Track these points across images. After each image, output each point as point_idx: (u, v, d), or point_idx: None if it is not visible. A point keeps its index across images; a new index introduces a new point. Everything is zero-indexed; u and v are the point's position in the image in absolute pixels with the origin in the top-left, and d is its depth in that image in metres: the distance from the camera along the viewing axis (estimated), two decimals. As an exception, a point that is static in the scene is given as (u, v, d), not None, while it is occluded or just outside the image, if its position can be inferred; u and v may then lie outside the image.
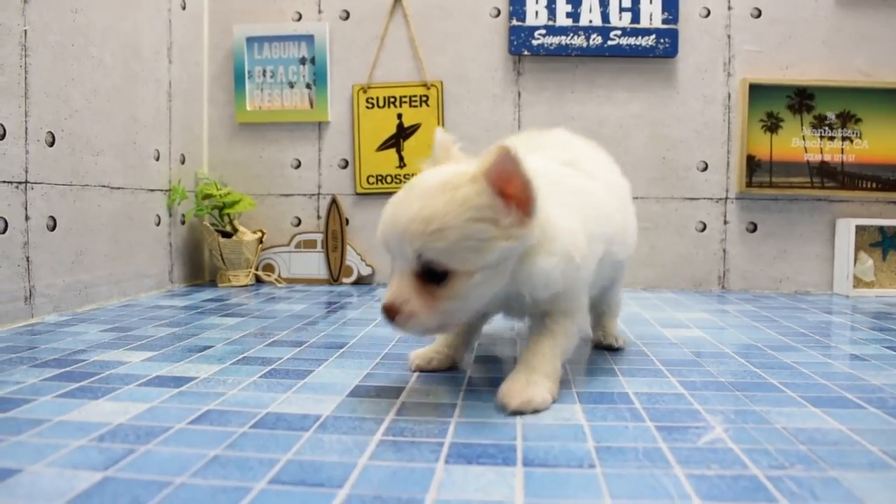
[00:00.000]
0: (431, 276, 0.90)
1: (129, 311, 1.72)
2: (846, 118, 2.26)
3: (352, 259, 2.31)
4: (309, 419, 0.89)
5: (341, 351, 1.31)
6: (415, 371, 1.17)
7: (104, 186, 1.83)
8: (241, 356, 1.25)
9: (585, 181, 1.15)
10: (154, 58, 2.09)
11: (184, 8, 2.24)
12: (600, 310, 1.40)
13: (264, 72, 2.36)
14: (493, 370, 1.18)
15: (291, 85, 2.35)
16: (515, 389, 0.96)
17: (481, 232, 0.89)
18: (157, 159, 2.10)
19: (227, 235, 2.23)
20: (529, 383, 0.97)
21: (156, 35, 2.09)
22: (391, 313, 0.93)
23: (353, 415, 0.91)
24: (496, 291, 0.95)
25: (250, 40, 2.35)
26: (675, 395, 1.03)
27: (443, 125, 2.29)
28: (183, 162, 2.24)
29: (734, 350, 1.36)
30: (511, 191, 0.89)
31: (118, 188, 1.90)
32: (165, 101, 2.14)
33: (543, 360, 1.02)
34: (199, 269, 2.35)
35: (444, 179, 0.91)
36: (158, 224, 2.10)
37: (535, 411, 0.94)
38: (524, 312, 1.10)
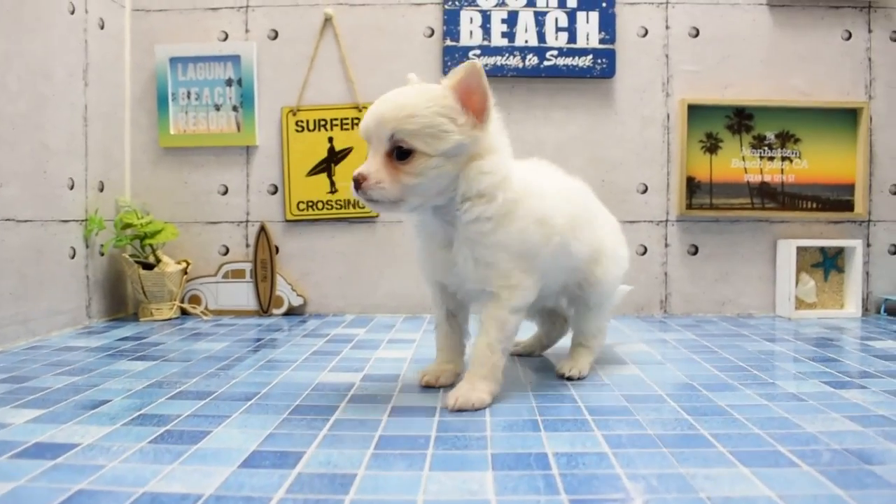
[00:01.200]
0: (399, 155, 1.14)
1: (33, 356, 1.61)
2: (785, 138, 2.23)
3: (282, 289, 2.21)
4: (188, 501, 0.80)
5: (249, 404, 1.21)
6: (424, 386, 1.33)
7: (8, 220, 1.72)
8: (137, 413, 1.15)
9: (558, 180, 1.38)
10: (68, 80, 1.97)
11: (102, 27, 2.12)
12: (574, 340, 1.49)
13: (189, 94, 2.25)
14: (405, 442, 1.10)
15: (217, 107, 2.25)
16: (458, 393, 1.19)
17: (442, 124, 1.13)
18: (72, 188, 1.98)
19: (148, 267, 2.12)
20: (471, 389, 1.20)
21: (70, 56, 1.98)
22: (360, 181, 1.16)
23: (238, 494, 0.82)
24: (446, 184, 1.18)
25: (174, 61, 2.24)
26: (597, 455, 0.96)
27: (376, 148, 2.21)
28: (102, 189, 2.13)
29: (669, 392, 1.30)
30: (472, 101, 1.16)
31: (25, 221, 1.78)
32: (81, 125, 2.03)
33: (479, 365, 1.23)
34: (122, 301, 2.23)
35: (419, 87, 1.20)
36: (73, 257, 1.98)
37: (477, 409, 1.18)
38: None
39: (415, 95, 1.16)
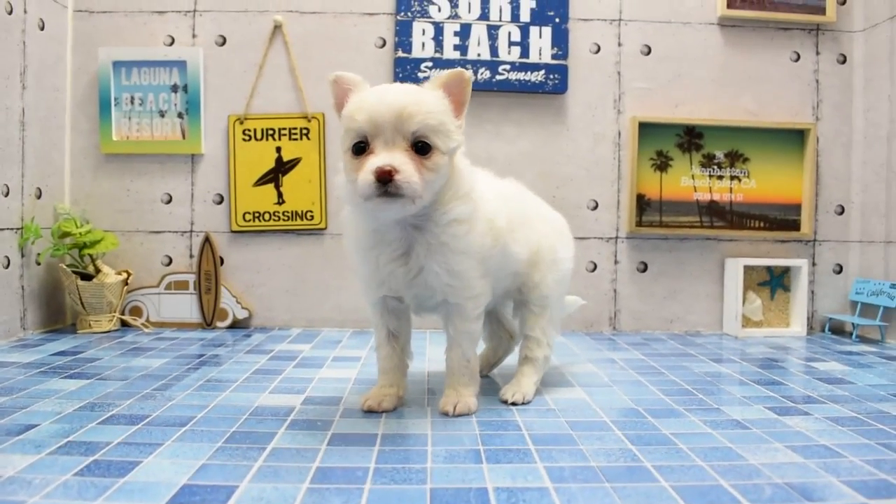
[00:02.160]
0: (420, 150, 1.15)
1: (-41, 373, 1.54)
2: (734, 157, 2.24)
3: (227, 301, 2.16)
4: (107, 546, 0.76)
5: (183, 430, 1.17)
6: (367, 411, 1.30)
7: (-64, 230, 1.65)
8: (65, 440, 1.10)
9: (492, 182, 1.39)
10: (4, 83, 1.90)
11: (42, 28, 2.05)
12: (521, 354, 1.47)
13: (132, 99, 2.19)
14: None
15: (162, 114, 2.19)
16: (449, 401, 1.29)
17: (449, 123, 1.18)
18: (7, 195, 1.91)
19: (87, 277, 2.05)
20: (460, 395, 1.30)
21: (6, 58, 1.91)
22: (388, 175, 1.10)
23: (161, 538, 0.78)
24: (444, 182, 1.20)
25: (117, 65, 2.18)
26: (538, 490, 0.94)
27: (324, 160, 2.17)
28: (39, 196, 2.05)
29: (614, 418, 1.28)
30: (456, 106, 1.22)
31: (-46, 230, 1.71)
32: (18, 130, 1.96)
33: (459, 374, 1.32)
34: (60, 312, 2.16)
35: (416, 87, 1.20)
36: (7, 266, 1.91)
37: (464, 414, 1.28)
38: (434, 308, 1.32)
39: (425, 94, 1.18)
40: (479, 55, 2.15)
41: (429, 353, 1.85)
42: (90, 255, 2.07)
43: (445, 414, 1.28)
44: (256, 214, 2.18)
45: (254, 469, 1.00)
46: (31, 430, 1.14)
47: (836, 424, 1.27)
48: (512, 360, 1.62)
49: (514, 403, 1.37)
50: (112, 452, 1.05)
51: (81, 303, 2.03)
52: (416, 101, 1.14)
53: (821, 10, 2.23)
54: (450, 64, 2.14)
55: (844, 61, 2.28)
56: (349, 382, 1.52)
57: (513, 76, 2.15)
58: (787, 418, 1.30)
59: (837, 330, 2.30)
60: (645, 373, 1.67)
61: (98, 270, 2.07)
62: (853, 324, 2.18)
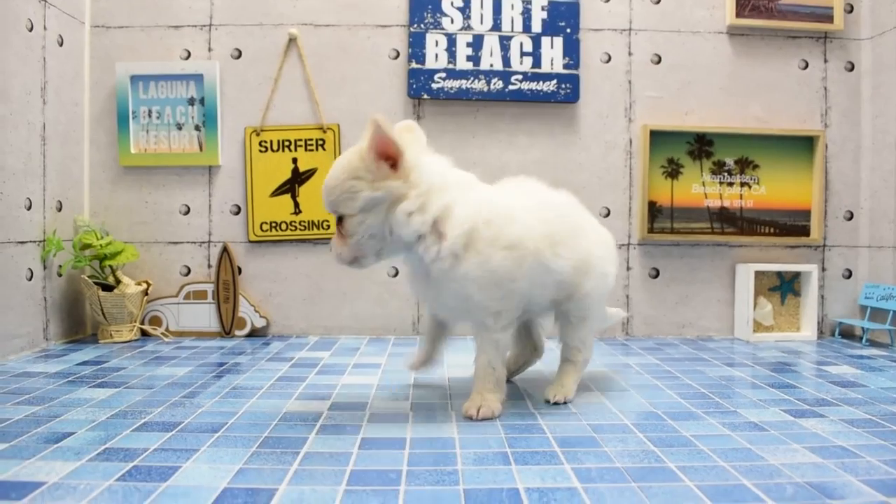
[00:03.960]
0: (339, 220, 1.30)
1: (-11, 383, 1.57)
2: (744, 164, 2.27)
3: (245, 310, 2.19)
4: (159, 546, 0.79)
5: (217, 436, 1.20)
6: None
7: (-37, 242, 1.68)
8: (103, 447, 1.12)
9: (534, 198, 1.41)
10: (25, 99, 1.93)
11: (61, 44, 2.09)
12: (561, 356, 1.53)
13: (150, 112, 2.22)
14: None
15: (179, 126, 2.23)
16: (473, 405, 1.33)
17: (352, 186, 1.26)
18: (29, 208, 1.94)
19: (108, 288, 2.08)
20: (484, 400, 1.34)
21: (27, 74, 1.94)
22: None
23: (210, 539, 0.81)
24: (381, 233, 1.28)
25: (135, 79, 2.21)
26: (568, 490, 0.96)
27: (340, 170, 2.20)
28: (60, 209, 2.09)
29: (634, 421, 1.31)
30: (388, 152, 1.25)
31: (-19, 243, 1.74)
32: (39, 144, 1.99)
33: (485, 380, 1.36)
34: (81, 323, 2.19)
35: (344, 155, 1.30)
36: (31, 278, 1.94)
37: (496, 416, 1.33)
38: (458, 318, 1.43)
39: (336, 168, 1.29)
40: (491, 65, 2.19)
41: (449, 358, 1.88)
42: (111, 267, 2.10)
43: (469, 418, 1.32)
44: (273, 224, 2.21)
45: (290, 472, 1.02)
46: (68, 438, 1.17)
47: (850, 426, 1.29)
48: (541, 367, 1.65)
49: (556, 403, 1.43)
50: (150, 458, 1.08)
51: (103, 313, 2.06)
52: (326, 186, 1.30)
53: (828, 19, 2.27)
54: (463, 75, 2.17)
55: (852, 69, 2.32)
56: (373, 388, 1.55)
57: (525, 86, 2.19)
58: (803, 420, 1.33)
59: (847, 334, 2.33)
60: (660, 377, 1.70)
61: (118, 281, 2.10)
62: (863, 328, 2.21)
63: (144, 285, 2.15)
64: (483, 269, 1.27)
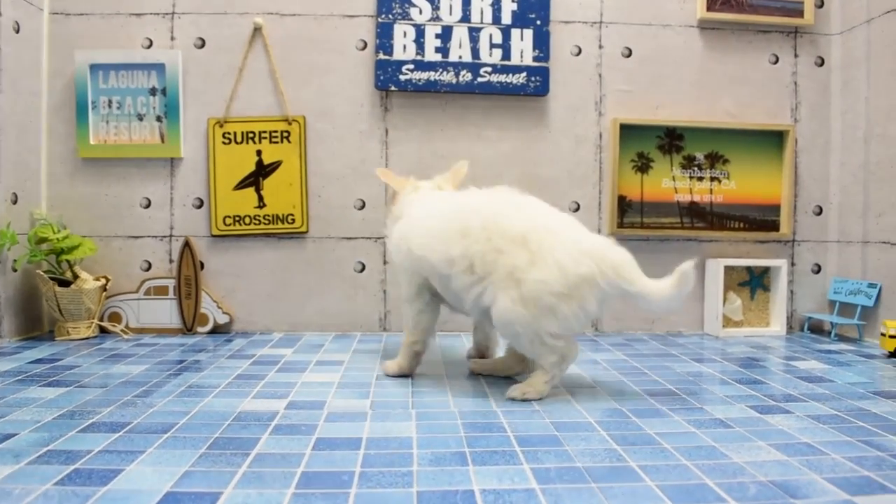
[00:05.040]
0: None
1: (-65, 381, 1.51)
2: (714, 159, 2.25)
3: (207, 306, 2.14)
4: (90, 555, 0.75)
5: (166, 437, 1.15)
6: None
7: None
8: (45, 449, 1.08)
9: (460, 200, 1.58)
10: (-21, 87, 1.88)
11: (17, 31, 2.03)
12: None
13: (110, 102, 2.16)
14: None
15: (140, 117, 2.17)
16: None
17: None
18: (-18, 200, 1.88)
19: (64, 284, 2.02)
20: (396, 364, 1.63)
21: (-19, 62, 1.88)
22: None
23: (145, 546, 0.77)
24: None
25: (94, 68, 2.15)
26: (524, 491, 0.93)
27: (305, 163, 2.16)
28: (15, 202, 2.02)
29: (598, 419, 1.28)
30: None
31: (-71, 236, 1.68)
32: (-7, 135, 1.93)
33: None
34: (37, 320, 2.13)
35: None
36: (-17, 272, 1.88)
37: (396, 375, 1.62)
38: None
39: None
40: (460, 57, 2.15)
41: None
42: (68, 261, 2.04)
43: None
44: (237, 218, 2.16)
45: (238, 475, 0.99)
46: (9, 440, 1.13)
47: (817, 422, 1.28)
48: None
49: (512, 398, 1.42)
50: (93, 461, 1.04)
51: (59, 309, 2.01)
52: None
53: (799, 13, 2.25)
54: (431, 66, 2.14)
55: (822, 64, 2.31)
56: (332, 387, 1.51)
57: (494, 78, 2.15)
58: (770, 417, 1.31)
59: (816, 329, 2.32)
60: (628, 373, 1.67)
61: (76, 276, 2.05)
62: (832, 323, 2.20)
63: (103, 280, 2.10)
64: (395, 256, 1.65)
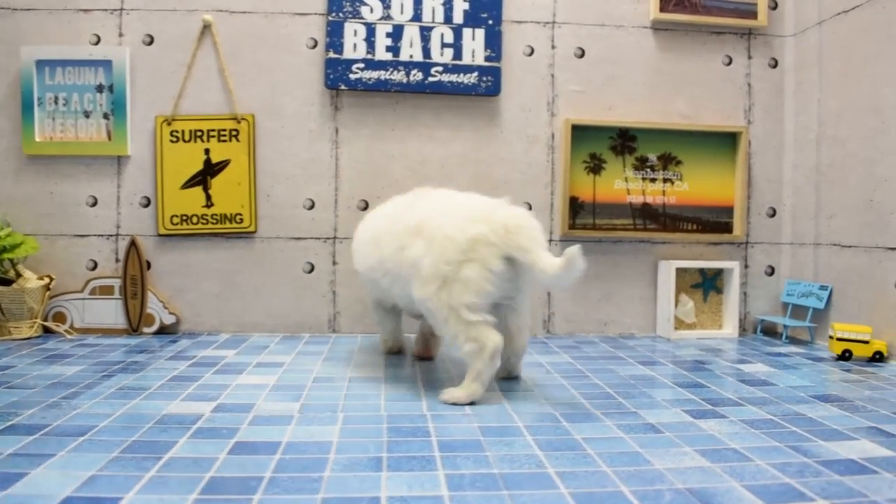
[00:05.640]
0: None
1: None
2: (667, 160, 2.25)
3: (153, 306, 2.11)
4: (-39, 566, 0.72)
5: (81, 440, 1.13)
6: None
7: None
8: (-49, 452, 1.05)
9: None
10: (-84, 83, 1.83)
11: (-41, 26, 1.99)
12: None
13: (56, 99, 2.13)
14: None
15: (87, 114, 2.13)
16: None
17: None
18: (-81, 198, 1.84)
19: (6, 283, 1.99)
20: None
21: (-82, 57, 1.84)
22: None
23: (20, 556, 0.75)
24: None
25: (41, 64, 2.12)
26: (432, 499, 0.92)
27: (254, 162, 2.13)
28: (-45, 199, 1.99)
29: (528, 423, 1.27)
30: None
31: None
32: (-69, 131, 1.89)
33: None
34: (-21, 318, 2.09)
35: None
36: (-81, 272, 1.84)
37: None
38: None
39: None
40: (411, 56, 2.13)
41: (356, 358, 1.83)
42: (10, 260, 2.01)
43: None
44: (184, 217, 2.13)
45: (144, 480, 0.96)
46: (-83, 443, 1.10)
47: (749, 427, 1.27)
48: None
49: (444, 402, 1.41)
50: (1, 464, 1.01)
51: (0, 309, 1.97)
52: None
53: (752, 15, 2.25)
54: (382, 65, 2.12)
55: (776, 65, 2.31)
56: (266, 389, 1.49)
57: (445, 78, 2.14)
58: (702, 421, 1.30)
59: (769, 331, 2.32)
60: (570, 376, 1.66)
61: (19, 275, 2.01)
62: (784, 325, 2.20)
63: (47, 280, 2.06)
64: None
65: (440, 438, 1.17)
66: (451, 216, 1.46)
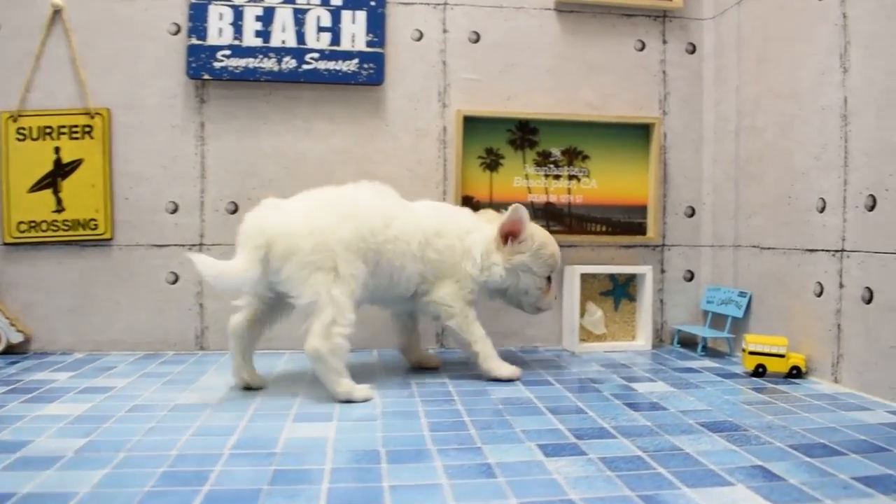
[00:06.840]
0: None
1: None
2: (573, 155, 2.05)
3: (-3, 324, 1.89)
4: None
5: None
6: None
7: None
8: None
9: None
10: None
11: None
12: None
13: None
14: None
15: (-77, 110, 1.92)
16: None
17: None
18: None
19: None
20: None
21: None
22: None
23: None
24: None
25: None
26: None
27: (110, 161, 1.92)
28: None
29: (339, 465, 1.05)
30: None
31: None
32: None
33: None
34: None
35: None
36: None
37: None
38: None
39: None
40: (283, 42, 1.92)
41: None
42: None
43: None
44: (33, 224, 1.91)
45: None
46: None
47: (605, 468, 1.05)
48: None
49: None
50: None
51: None
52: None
53: (666, -5, 2.05)
54: (250, 52, 1.91)
55: (694, 51, 2.11)
56: (63, 422, 1.27)
57: (322, 66, 1.93)
58: (553, 460, 1.09)
59: (688, 342, 2.12)
60: (430, 401, 1.45)
61: None
62: (702, 336, 2.00)
63: None
64: None
65: (214, 488, 0.96)
66: None
